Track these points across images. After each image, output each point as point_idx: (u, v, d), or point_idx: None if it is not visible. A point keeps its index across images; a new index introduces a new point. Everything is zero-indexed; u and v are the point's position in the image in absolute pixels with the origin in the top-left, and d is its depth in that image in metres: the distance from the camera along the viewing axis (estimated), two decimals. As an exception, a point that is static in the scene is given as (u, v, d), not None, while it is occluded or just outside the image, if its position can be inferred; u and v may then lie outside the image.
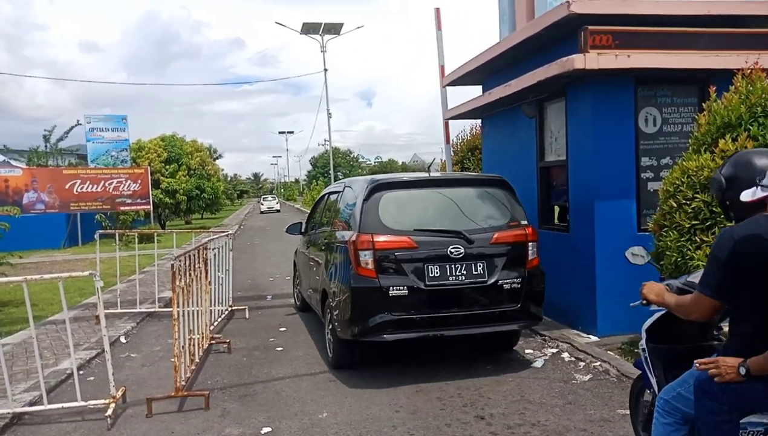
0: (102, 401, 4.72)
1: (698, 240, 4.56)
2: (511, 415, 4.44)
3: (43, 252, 19.91)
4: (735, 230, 2.41)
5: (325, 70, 33.45)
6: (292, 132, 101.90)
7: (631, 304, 3.19)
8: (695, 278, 2.78)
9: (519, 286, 5.31)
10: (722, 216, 3.85)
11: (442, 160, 15.91)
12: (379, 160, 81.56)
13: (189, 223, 37.71)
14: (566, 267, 6.63)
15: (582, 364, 5.57)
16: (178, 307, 4.96)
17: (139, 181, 23.03)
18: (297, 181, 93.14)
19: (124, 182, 22.73)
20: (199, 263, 6.06)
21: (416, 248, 5.16)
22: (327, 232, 6.40)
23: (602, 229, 6.17)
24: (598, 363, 5.47)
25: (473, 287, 5.22)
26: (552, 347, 6.14)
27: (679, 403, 2.65)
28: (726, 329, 2.60)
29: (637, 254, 3.43)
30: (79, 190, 22.04)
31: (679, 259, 4.64)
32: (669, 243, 4.73)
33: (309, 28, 32.25)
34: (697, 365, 2.49)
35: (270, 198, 57.20)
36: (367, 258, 5.12)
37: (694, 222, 4.60)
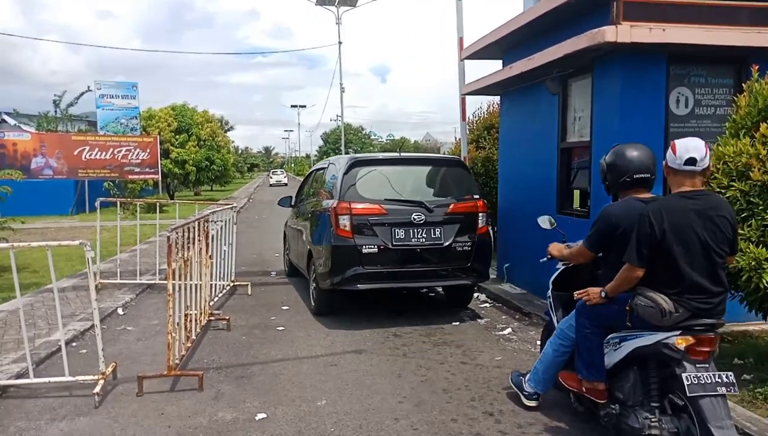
0: (91, 376, 4.49)
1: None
2: (522, 413, 4.14)
3: (51, 218, 19.81)
4: (612, 208, 3.52)
5: (340, 43, 32.90)
6: (304, 106, 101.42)
7: (541, 260, 4.30)
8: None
9: (469, 248, 6.37)
10: (760, 207, 4.06)
11: (456, 138, 15.48)
12: (392, 137, 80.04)
13: (198, 194, 37.60)
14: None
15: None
16: (174, 281, 4.70)
17: (148, 150, 22.76)
18: (308, 156, 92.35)
19: (132, 150, 22.44)
20: (199, 235, 5.79)
21: (386, 214, 6.18)
22: (313, 202, 7.42)
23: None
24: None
25: (432, 247, 6.25)
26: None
27: (569, 331, 3.73)
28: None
29: (546, 222, 4.44)
30: (87, 156, 21.81)
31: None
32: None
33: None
34: (576, 294, 3.59)
35: (279, 172, 63.88)
36: (345, 222, 6.12)
37: (729, 213, 4.23)
